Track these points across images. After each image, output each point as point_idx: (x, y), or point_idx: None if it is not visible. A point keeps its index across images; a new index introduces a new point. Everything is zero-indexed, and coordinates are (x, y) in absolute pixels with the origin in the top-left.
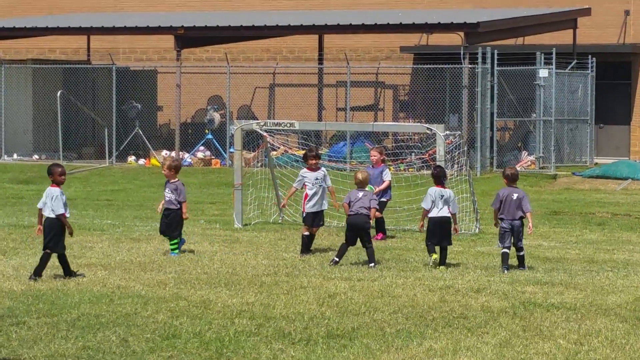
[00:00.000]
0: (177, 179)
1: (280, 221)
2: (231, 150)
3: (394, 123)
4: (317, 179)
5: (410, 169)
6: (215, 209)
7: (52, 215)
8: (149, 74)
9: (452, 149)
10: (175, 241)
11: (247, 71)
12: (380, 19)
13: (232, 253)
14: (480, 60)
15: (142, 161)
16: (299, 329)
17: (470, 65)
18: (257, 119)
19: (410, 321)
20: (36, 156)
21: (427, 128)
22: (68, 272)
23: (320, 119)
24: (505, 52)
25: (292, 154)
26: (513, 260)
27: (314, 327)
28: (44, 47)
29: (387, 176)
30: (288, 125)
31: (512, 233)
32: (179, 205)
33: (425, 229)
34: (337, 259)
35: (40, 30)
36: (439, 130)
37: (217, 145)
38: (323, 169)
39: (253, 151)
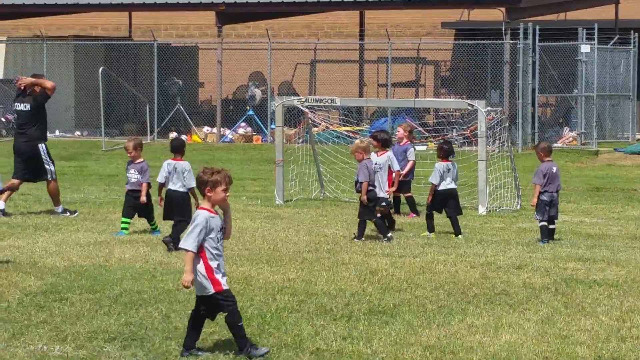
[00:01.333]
0: (142, 159)
1: (321, 197)
2: (272, 126)
3: (435, 99)
4: (376, 163)
5: None
6: (256, 186)
7: (182, 189)
8: (190, 50)
9: (494, 125)
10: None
11: (288, 47)
12: None
13: (273, 229)
14: (521, 36)
15: (183, 137)
16: (340, 305)
17: (511, 41)
18: (298, 95)
19: (452, 298)
20: (78, 133)
21: (469, 104)
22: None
23: (361, 95)
24: (547, 27)
25: (333, 130)
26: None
27: (355, 303)
28: (85, 23)
29: (411, 156)
30: (329, 101)
31: (551, 206)
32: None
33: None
34: (390, 235)
35: (82, 7)
36: (480, 106)
37: (258, 121)
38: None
39: (294, 127)
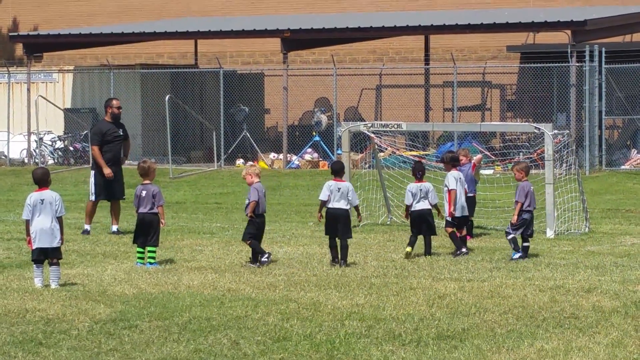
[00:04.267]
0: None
1: (388, 223)
2: (339, 152)
3: (501, 123)
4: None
5: None
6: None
7: (345, 207)
8: (256, 77)
9: (561, 148)
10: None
11: (354, 73)
12: (486, 18)
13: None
14: (587, 58)
15: (250, 164)
16: (409, 330)
17: (577, 64)
18: (364, 121)
19: (521, 322)
20: None
21: (535, 127)
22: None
23: (427, 119)
24: (614, 49)
25: (399, 155)
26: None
27: (424, 328)
28: (152, 52)
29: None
30: (395, 126)
31: (531, 224)
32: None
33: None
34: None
35: (149, 36)
36: (547, 129)
37: (325, 147)
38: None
39: (360, 153)
